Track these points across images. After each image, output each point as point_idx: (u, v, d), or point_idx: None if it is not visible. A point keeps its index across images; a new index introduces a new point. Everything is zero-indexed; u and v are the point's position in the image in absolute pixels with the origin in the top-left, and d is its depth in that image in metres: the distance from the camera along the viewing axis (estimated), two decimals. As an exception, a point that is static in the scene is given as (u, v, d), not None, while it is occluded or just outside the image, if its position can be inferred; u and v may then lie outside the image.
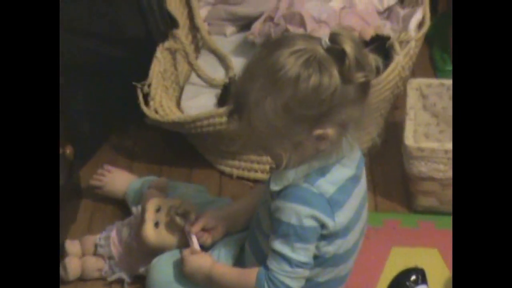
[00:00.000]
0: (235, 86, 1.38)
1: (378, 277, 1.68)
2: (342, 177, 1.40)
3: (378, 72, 1.35)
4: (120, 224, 1.69)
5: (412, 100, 1.87)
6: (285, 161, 1.35)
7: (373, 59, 1.33)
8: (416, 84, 1.91)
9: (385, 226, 1.81)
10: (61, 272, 1.67)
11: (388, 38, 1.95)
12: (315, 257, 1.42)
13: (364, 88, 1.33)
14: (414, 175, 1.78)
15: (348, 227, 1.43)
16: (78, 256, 1.71)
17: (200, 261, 1.50)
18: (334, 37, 1.31)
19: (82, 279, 1.70)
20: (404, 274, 1.56)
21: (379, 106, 1.90)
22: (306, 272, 1.42)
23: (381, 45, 1.93)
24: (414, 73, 2.03)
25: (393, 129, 2.02)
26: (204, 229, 1.55)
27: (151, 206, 1.60)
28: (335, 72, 1.29)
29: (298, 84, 1.29)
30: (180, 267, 1.53)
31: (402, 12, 2.11)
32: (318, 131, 1.33)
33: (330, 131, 1.33)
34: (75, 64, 1.86)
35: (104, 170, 1.85)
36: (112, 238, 1.67)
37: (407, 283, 1.55)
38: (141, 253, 1.62)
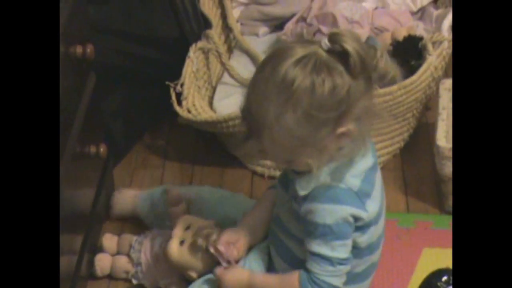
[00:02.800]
0: (246, 112, 1.36)
1: (410, 278, 1.68)
2: (365, 167, 1.41)
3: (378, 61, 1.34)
4: (157, 232, 1.70)
5: (445, 100, 1.86)
6: (315, 167, 1.36)
7: (377, 52, 1.33)
8: (449, 84, 1.90)
9: (417, 227, 1.80)
10: (92, 268, 1.70)
11: (421, 38, 1.94)
12: (352, 249, 1.42)
13: (370, 76, 1.34)
14: (446, 176, 1.77)
15: (379, 214, 1.44)
16: (112, 252, 1.73)
17: (237, 275, 1.49)
18: (333, 38, 1.31)
19: (112, 277, 1.71)
20: (436, 275, 1.56)
21: (412, 107, 1.90)
22: (348, 268, 1.42)
23: (414, 46, 1.93)
24: (447, 73, 2.02)
25: (425, 130, 2.02)
26: (228, 243, 1.53)
27: (181, 223, 1.59)
28: (343, 71, 1.31)
29: (315, 91, 1.30)
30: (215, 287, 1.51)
31: (435, 12, 2.10)
32: (341, 130, 1.34)
33: (351, 127, 1.34)
34: (109, 64, 1.88)
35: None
36: (144, 244, 1.68)
37: (438, 284, 1.54)
38: (166, 266, 1.63)
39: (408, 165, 1.95)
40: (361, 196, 1.40)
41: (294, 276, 1.44)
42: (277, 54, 1.34)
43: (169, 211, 1.69)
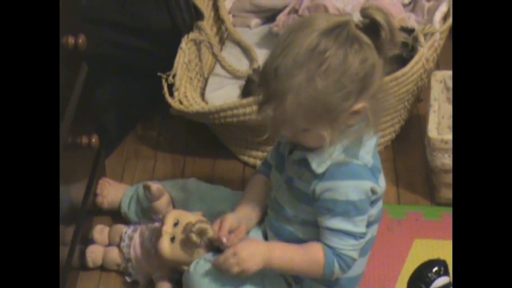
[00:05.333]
0: (270, 74, 1.36)
1: (401, 269, 1.69)
2: (373, 144, 1.44)
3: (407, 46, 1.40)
4: (145, 227, 1.69)
5: (436, 92, 1.87)
6: (327, 140, 1.38)
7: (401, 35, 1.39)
8: (440, 76, 1.91)
9: (408, 218, 1.81)
10: (84, 259, 1.70)
11: (412, 30, 1.94)
12: None
13: (387, 57, 1.39)
14: (437, 167, 1.78)
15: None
16: (103, 244, 1.73)
17: (254, 249, 1.46)
18: (365, 12, 1.35)
19: (104, 268, 1.71)
20: (426, 266, 1.56)
21: (403, 98, 1.90)
22: (365, 240, 1.46)
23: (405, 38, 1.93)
24: (438, 66, 2.02)
25: (416, 122, 2.02)
26: (229, 231, 1.53)
27: (169, 219, 1.59)
28: (372, 46, 1.35)
29: (347, 61, 1.33)
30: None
31: (427, 4, 2.10)
32: (357, 106, 1.36)
33: (366, 105, 1.37)
34: (101, 55, 1.88)
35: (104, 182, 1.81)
36: (134, 239, 1.68)
37: (429, 275, 1.55)
38: (157, 261, 1.62)
39: (399, 157, 1.96)
40: (375, 171, 1.44)
41: (318, 249, 1.44)
42: (308, 22, 1.36)
43: (152, 206, 1.69)
